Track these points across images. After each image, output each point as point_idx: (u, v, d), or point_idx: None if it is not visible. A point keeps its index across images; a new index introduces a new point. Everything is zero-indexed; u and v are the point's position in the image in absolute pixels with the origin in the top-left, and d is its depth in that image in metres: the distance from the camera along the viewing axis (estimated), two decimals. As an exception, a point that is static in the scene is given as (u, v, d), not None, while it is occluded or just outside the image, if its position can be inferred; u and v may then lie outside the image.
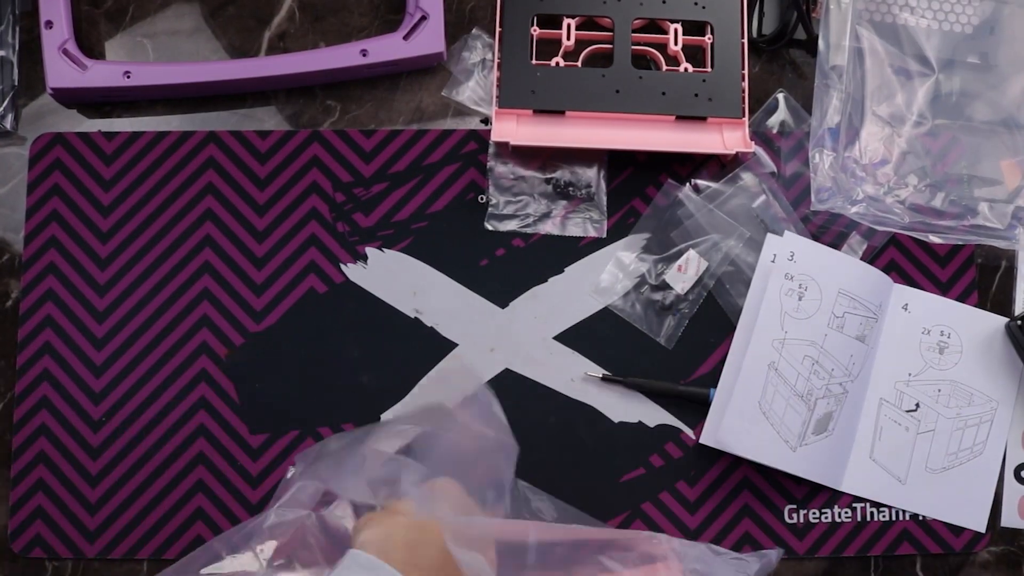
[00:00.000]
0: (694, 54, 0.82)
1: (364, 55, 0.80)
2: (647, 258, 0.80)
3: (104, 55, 0.83)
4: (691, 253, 0.79)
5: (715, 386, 0.78)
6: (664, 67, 0.81)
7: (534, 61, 0.80)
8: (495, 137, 0.78)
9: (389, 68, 0.82)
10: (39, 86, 0.82)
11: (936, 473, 0.77)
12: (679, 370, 0.79)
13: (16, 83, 0.83)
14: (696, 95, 0.79)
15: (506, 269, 0.80)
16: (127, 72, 0.80)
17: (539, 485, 0.69)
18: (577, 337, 0.79)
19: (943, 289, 0.80)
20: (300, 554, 0.59)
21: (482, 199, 0.81)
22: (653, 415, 0.79)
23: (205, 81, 0.80)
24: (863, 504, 0.77)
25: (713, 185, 0.81)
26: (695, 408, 0.78)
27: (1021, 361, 0.78)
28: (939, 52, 0.79)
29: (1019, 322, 0.78)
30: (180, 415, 0.78)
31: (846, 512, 0.77)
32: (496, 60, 0.80)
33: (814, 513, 0.77)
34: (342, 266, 0.80)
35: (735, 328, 0.79)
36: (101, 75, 0.80)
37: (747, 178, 0.81)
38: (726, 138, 0.79)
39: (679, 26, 0.81)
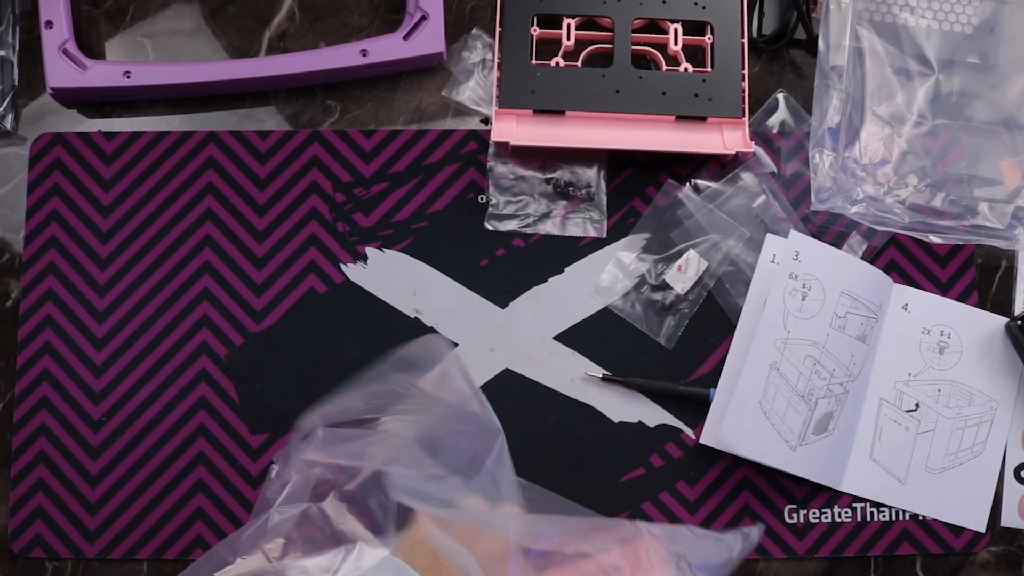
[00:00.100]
0: (694, 54, 0.82)
1: (364, 55, 0.80)
2: (647, 258, 0.80)
3: (104, 55, 0.83)
4: (691, 253, 0.79)
5: (715, 386, 0.78)
6: (664, 67, 0.81)
7: (534, 61, 0.80)
8: (495, 137, 0.78)
9: (389, 68, 0.82)
10: (39, 86, 0.82)
11: (936, 473, 0.77)
12: (679, 370, 0.79)
13: (16, 83, 0.83)
14: (696, 95, 0.79)
15: (506, 269, 0.80)
16: (127, 72, 0.80)
17: (539, 485, 0.69)
18: (577, 337, 0.79)
19: (943, 289, 0.80)
20: (309, 544, 0.59)
21: (482, 199, 0.81)
22: (653, 415, 0.78)
23: (205, 81, 0.80)
24: (863, 504, 0.77)
25: (713, 185, 0.81)
26: (695, 408, 0.78)
27: (1021, 361, 0.78)
28: (939, 52, 0.79)
29: (1019, 322, 0.78)
30: (180, 415, 0.78)
31: (846, 512, 0.77)
32: (496, 60, 0.80)
33: (814, 513, 0.77)
34: (342, 266, 0.80)
35: (735, 328, 0.79)
36: (101, 75, 0.80)
37: (747, 178, 0.81)
38: (726, 138, 0.79)
39: (679, 26, 0.81)
